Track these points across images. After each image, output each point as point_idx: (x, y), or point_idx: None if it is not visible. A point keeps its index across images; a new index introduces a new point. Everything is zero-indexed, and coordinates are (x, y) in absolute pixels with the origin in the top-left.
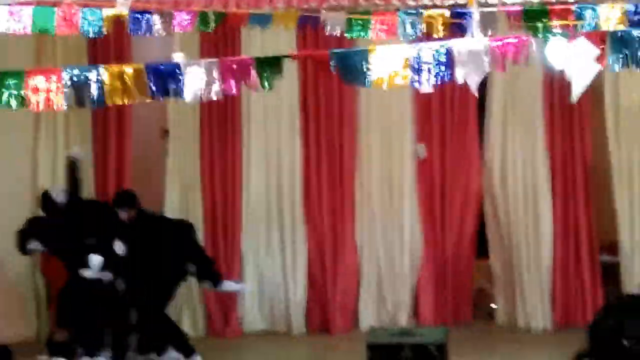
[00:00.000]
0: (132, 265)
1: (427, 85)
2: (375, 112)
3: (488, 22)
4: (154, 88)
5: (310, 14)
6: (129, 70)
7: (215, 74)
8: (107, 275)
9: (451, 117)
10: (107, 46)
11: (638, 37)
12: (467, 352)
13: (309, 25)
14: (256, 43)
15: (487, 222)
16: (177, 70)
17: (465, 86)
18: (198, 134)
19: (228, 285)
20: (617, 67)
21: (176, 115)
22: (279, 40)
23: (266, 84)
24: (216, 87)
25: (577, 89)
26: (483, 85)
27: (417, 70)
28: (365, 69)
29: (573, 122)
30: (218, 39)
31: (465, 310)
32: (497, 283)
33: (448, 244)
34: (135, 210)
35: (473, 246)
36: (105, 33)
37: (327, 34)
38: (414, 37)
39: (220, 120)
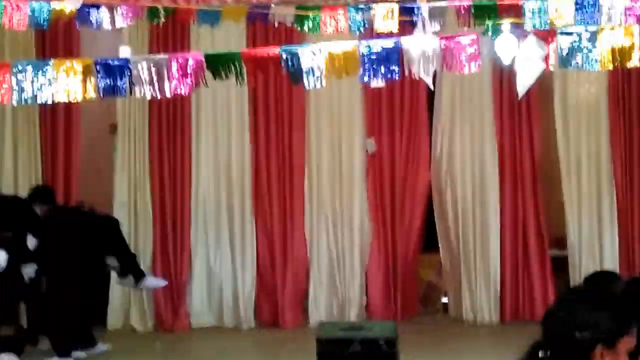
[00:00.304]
0: (47, 259)
1: (376, 81)
2: (324, 107)
3: (437, 18)
4: (102, 84)
5: (260, 9)
6: (77, 65)
7: (164, 70)
8: (29, 271)
9: (401, 112)
10: (56, 40)
11: (583, 34)
12: (416, 346)
13: (258, 21)
14: (205, 39)
15: (436, 216)
16: (126, 66)
17: (415, 81)
18: (147, 130)
19: (150, 282)
20: (564, 65)
21: (125, 110)
22: (229, 36)
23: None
24: (166, 83)
25: (523, 86)
26: (433, 80)
27: (367, 66)
28: (314, 68)
29: (521, 117)
30: (167, 35)
31: (415, 304)
32: (446, 277)
33: (398, 238)
34: (50, 206)
35: (423, 240)
36: (53, 26)
37: (276, 26)
38: (363, 32)
39: (169, 116)
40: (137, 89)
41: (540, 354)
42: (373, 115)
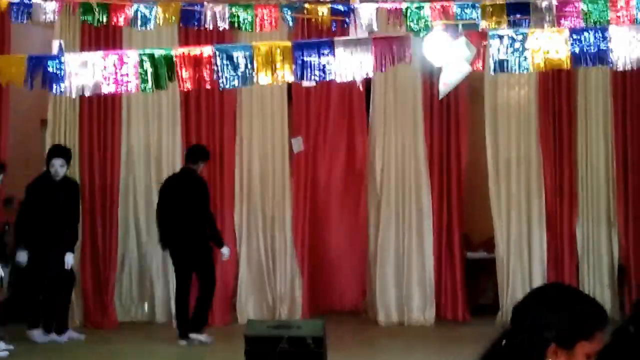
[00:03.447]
0: None
1: (308, 81)
2: (255, 106)
3: (369, 19)
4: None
5: (193, 7)
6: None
7: (97, 67)
8: None
9: (326, 112)
10: None
11: (514, 37)
12: (344, 344)
13: (191, 23)
14: (137, 39)
15: (370, 215)
16: (58, 63)
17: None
18: (77, 125)
19: None
20: (495, 68)
21: (55, 106)
22: (161, 37)
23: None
24: (95, 81)
25: (445, 85)
26: (367, 80)
27: (299, 66)
28: (248, 66)
29: (451, 119)
30: (99, 33)
31: (345, 303)
32: (372, 276)
33: (329, 236)
34: None
35: (362, 239)
36: None
37: (209, 28)
38: (295, 31)
39: (100, 112)
40: (67, 85)
41: (503, 343)
42: (300, 116)
